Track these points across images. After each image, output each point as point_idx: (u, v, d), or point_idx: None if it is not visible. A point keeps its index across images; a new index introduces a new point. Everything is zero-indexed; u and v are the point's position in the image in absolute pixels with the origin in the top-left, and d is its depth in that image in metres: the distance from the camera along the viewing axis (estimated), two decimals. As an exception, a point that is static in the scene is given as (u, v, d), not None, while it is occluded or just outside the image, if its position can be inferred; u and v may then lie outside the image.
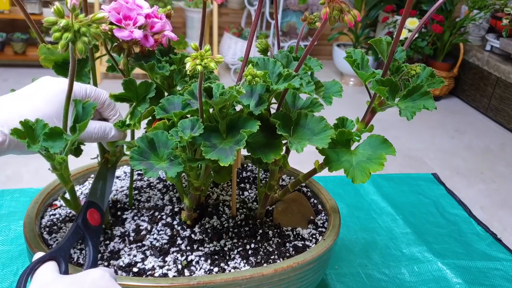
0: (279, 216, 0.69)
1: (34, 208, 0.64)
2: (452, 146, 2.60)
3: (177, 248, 0.61)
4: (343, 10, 0.46)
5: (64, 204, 0.68)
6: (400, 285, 0.82)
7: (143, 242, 0.62)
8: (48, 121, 0.49)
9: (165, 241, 0.62)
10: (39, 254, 0.47)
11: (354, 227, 0.97)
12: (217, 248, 0.62)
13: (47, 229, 0.63)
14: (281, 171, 0.66)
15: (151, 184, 0.76)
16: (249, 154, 0.54)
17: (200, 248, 0.62)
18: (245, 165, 0.83)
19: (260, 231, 0.66)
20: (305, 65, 0.60)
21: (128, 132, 0.63)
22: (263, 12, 3.33)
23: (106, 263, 0.58)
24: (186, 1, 3.17)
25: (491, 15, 3.07)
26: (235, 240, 0.64)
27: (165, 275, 0.57)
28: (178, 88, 0.62)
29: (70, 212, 0.67)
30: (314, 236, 0.67)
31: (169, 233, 0.64)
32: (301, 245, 0.64)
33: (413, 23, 2.94)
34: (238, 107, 0.56)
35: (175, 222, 0.66)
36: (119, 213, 0.68)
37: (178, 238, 0.63)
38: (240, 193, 0.75)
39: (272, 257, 0.61)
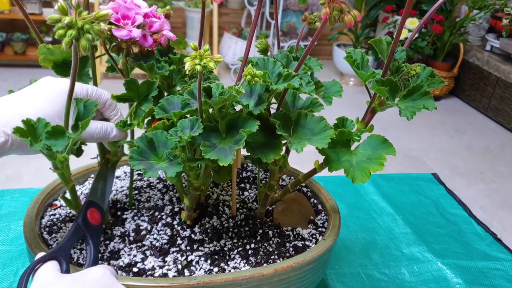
0: (279, 216, 0.69)
1: (34, 208, 0.64)
2: (452, 146, 2.60)
3: (177, 248, 0.61)
4: (343, 11, 0.46)
5: (64, 204, 0.68)
6: (400, 285, 0.82)
7: (143, 242, 0.62)
8: (49, 121, 0.49)
9: (165, 241, 0.62)
10: (40, 254, 0.47)
11: (354, 227, 0.97)
12: (217, 248, 0.62)
13: (47, 229, 0.63)
14: (281, 171, 0.66)
15: (151, 184, 0.76)
16: (249, 154, 0.54)
17: (200, 248, 0.62)
18: (245, 165, 0.83)
19: (260, 231, 0.66)
20: (305, 65, 0.60)
21: (128, 131, 0.63)
22: (263, 12, 3.33)
23: (106, 263, 0.58)
24: (186, 1, 3.17)
25: (491, 15, 3.07)
26: (235, 240, 0.64)
27: (165, 275, 0.57)
28: (178, 88, 0.62)
29: (70, 212, 0.67)
30: (314, 236, 0.67)
31: (169, 233, 0.64)
32: (301, 245, 0.64)
33: (413, 23, 2.94)
34: (238, 107, 0.56)
35: (175, 222, 0.66)
36: (119, 213, 0.68)
37: (178, 238, 0.63)
38: (240, 193, 0.75)
39: (272, 257, 0.61)
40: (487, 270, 0.88)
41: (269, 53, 0.64)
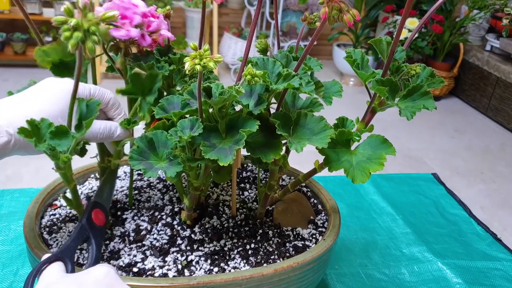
0: (279, 216, 0.69)
1: (34, 208, 0.64)
2: (452, 146, 2.60)
3: (177, 248, 0.61)
4: (342, 10, 0.46)
5: (64, 204, 0.68)
6: (400, 285, 0.82)
7: (143, 242, 0.62)
8: (53, 121, 0.49)
9: (165, 241, 0.62)
10: (46, 255, 0.47)
11: (354, 227, 0.97)
12: (217, 248, 0.62)
13: (47, 229, 0.63)
14: (281, 171, 0.66)
15: (151, 184, 0.76)
16: (249, 154, 0.54)
17: (200, 248, 0.62)
18: (245, 165, 0.83)
19: (260, 231, 0.66)
20: (305, 65, 0.60)
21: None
22: (263, 12, 3.33)
23: (106, 263, 0.58)
24: (186, 1, 3.17)
25: (491, 15, 3.07)
26: (235, 240, 0.64)
27: (165, 275, 0.57)
28: (178, 88, 0.62)
29: (70, 212, 0.67)
30: (314, 236, 0.67)
31: (169, 233, 0.64)
32: (301, 245, 0.64)
33: (413, 23, 2.94)
34: (238, 107, 0.56)
35: (175, 222, 0.66)
36: (119, 213, 0.68)
37: (178, 238, 0.63)
38: (240, 193, 0.75)
39: (272, 257, 0.61)
40: (487, 270, 0.88)
41: (268, 53, 0.64)
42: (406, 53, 0.68)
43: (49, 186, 0.68)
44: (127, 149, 0.63)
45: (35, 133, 0.47)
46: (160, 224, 0.66)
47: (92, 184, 0.74)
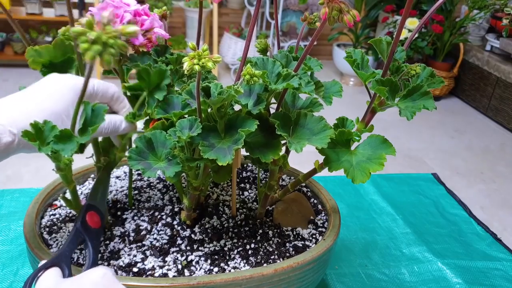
0: (279, 216, 0.69)
1: (34, 208, 0.64)
2: (452, 146, 2.60)
3: (177, 248, 0.61)
4: (342, 10, 0.46)
5: (64, 204, 0.68)
6: (400, 285, 0.82)
7: (143, 242, 0.62)
8: (56, 119, 0.48)
9: (165, 241, 0.62)
10: (42, 262, 0.47)
11: (354, 227, 0.97)
12: (217, 248, 0.62)
13: (47, 229, 0.63)
14: (281, 171, 0.66)
15: (151, 184, 0.76)
16: (248, 153, 0.54)
17: (200, 248, 0.62)
18: (245, 165, 0.83)
19: (260, 231, 0.66)
20: (305, 65, 0.60)
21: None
22: (263, 12, 3.33)
23: (106, 263, 0.58)
24: (185, 1, 3.17)
25: (491, 15, 3.07)
26: (235, 240, 0.64)
27: (165, 275, 0.57)
28: (176, 88, 0.62)
29: (70, 212, 0.67)
30: (314, 236, 0.67)
31: (169, 233, 0.64)
32: (301, 245, 0.64)
33: (413, 23, 2.94)
34: (237, 107, 0.56)
35: (175, 222, 0.66)
36: (119, 213, 0.68)
37: (178, 238, 0.63)
38: (240, 193, 0.75)
39: (272, 257, 0.61)
40: (487, 270, 0.88)
41: (268, 53, 0.64)
42: (406, 53, 0.68)
43: (49, 186, 0.68)
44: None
45: (38, 136, 0.46)
46: (160, 224, 0.66)
47: (91, 184, 0.74)
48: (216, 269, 0.58)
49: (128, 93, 0.60)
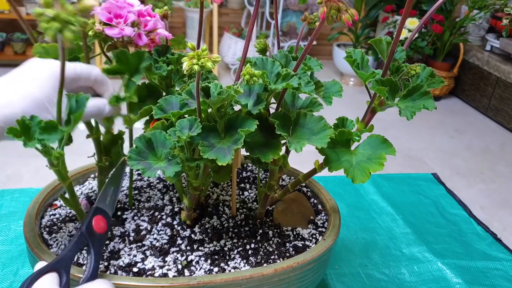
0: (279, 216, 0.69)
1: (34, 208, 0.64)
2: (452, 146, 2.60)
3: (177, 248, 0.61)
4: (340, 9, 0.46)
5: (64, 204, 0.68)
6: (400, 285, 0.82)
7: (143, 242, 0.62)
8: (39, 106, 0.47)
9: (165, 241, 0.62)
10: (40, 264, 0.45)
11: (354, 227, 0.97)
12: (217, 248, 0.62)
13: (47, 229, 0.63)
14: (281, 171, 0.66)
15: (151, 184, 0.76)
16: (248, 153, 0.54)
17: (200, 248, 0.62)
18: (245, 165, 0.83)
19: (260, 231, 0.66)
20: (305, 65, 0.60)
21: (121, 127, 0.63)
22: (263, 12, 3.33)
23: (106, 263, 0.58)
24: (185, 1, 3.17)
25: (491, 15, 3.07)
26: (235, 240, 0.64)
27: (165, 275, 0.57)
28: (177, 88, 0.62)
29: (70, 212, 0.67)
30: (314, 236, 0.67)
31: (169, 233, 0.64)
32: (301, 245, 0.64)
33: (413, 23, 2.94)
34: (238, 107, 0.56)
35: (175, 222, 0.66)
36: (119, 213, 0.68)
37: (178, 238, 0.63)
38: (240, 193, 0.75)
39: (272, 257, 0.61)
40: (487, 270, 0.88)
41: (268, 53, 0.64)
42: (406, 53, 0.68)
43: (49, 186, 0.68)
44: (126, 149, 0.63)
45: (24, 132, 0.46)
46: (160, 224, 0.66)
47: (92, 184, 0.74)
48: (216, 269, 0.58)
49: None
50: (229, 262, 0.60)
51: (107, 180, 0.61)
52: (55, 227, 0.63)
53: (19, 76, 0.50)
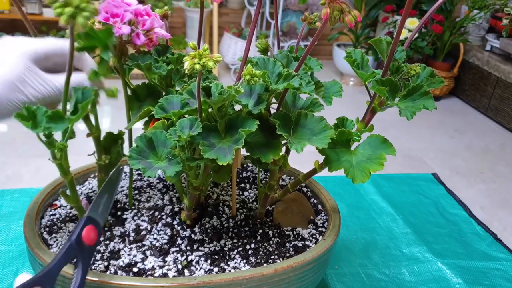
0: (279, 216, 0.69)
1: (34, 208, 0.64)
2: (452, 146, 2.60)
3: (177, 248, 0.61)
4: (343, 11, 0.46)
5: (64, 204, 0.68)
6: (400, 285, 0.82)
7: (143, 242, 0.62)
8: (9, 87, 0.47)
9: (165, 241, 0.62)
10: (22, 277, 0.44)
11: (354, 227, 0.97)
12: (217, 248, 0.62)
13: (47, 229, 0.63)
14: (281, 171, 0.66)
15: (151, 184, 0.76)
16: (249, 153, 0.54)
17: (200, 248, 0.62)
18: (245, 165, 0.83)
19: (260, 231, 0.66)
20: (305, 65, 0.60)
21: (123, 128, 0.63)
22: (263, 12, 3.33)
23: (106, 263, 0.58)
24: (185, 1, 3.17)
25: (491, 15, 3.07)
26: (235, 240, 0.64)
27: (165, 275, 0.57)
28: (177, 88, 0.62)
29: (70, 212, 0.67)
30: (314, 236, 0.67)
31: (169, 233, 0.64)
32: (301, 245, 0.64)
33: (413, 23, 2.94)
34: (238, 107, 0.56)
35: (175, 222, 0.66)
36: (119, 213, 0.68)
37: (178, 238, 0.63)
38: (240, 193, 0.75)
39: (272, 257, 0.61)
40: (487, 270, 0.88)
41: (269, 53, 0.64)
42: (406, 53, 0.68)
43: (49, 186, 0.68)
44: (126, 149, 0.63)
45: (31, 119, 0.46)
46: (160, 224, 0.66)
47: (92, 184, 0.74)
48: (216, 269, 0.58)
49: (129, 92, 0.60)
50: (229, 262, 0.60)
51: (101, 187, 0.58)
52: (55, 227, 0.63)
53: None
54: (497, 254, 0.94)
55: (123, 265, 0.58)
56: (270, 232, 0.66)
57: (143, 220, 0.66)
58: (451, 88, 3.24)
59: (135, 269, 0.57)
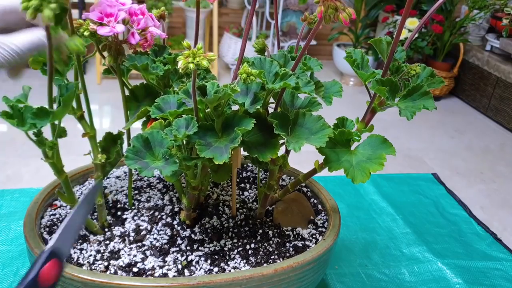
0: (279, 216, 0.69)
1: (34, 208, 0.64)
2: (452, 146, 2.60)
3: (177, 248, 0.61)
4: (338, 9, 0.46)
5: (64, 204, 0.68)
6: (400, 285, 0.82)
7: (143, 242, 0.62)
8: None
9: (165, 241, 0.62)
10: None
11: (354, 227, 0.97)
12: (217, 248, 0.62)
13: (47, 229, 0.63)
14: (281, 171, 0.66)
15: (151, 184, 0.76)
16: (246, 152, 0.54)
17: (200, 248, 0.62)
18: (245, 165, 0.83)
19: (260, 231, 0.66)
20: (304, 65, 0.59)
21: (121, 128, 0.63)
22: (263, 12, 3.33)
23: (106, 263, 0.58)
24: (182, 1, 3.17)
25: (491, 15, 3.07)
26: (235, 240, 0.64)
27: (165, 275, 0.57)
28: (175, 88, 0.62)
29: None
30: (314, 236, 0.67)
31: (169, 233, 0.64)
32: (301, 245, 0.64)
33: (413, 23, 2.94)
34: (236, 107, 0.56)
35: (175, 222, 0.66)
36: (119, 213, 0.68)
37: (178, 238, 0.63)
38: (240, 193, 0.75)
39: (272, 257, 0.61)
40: (487, 270, 0.88)
41: (266, 53, 0.64)
42: (406, 53, 0.68)
43: (49, 186, 0.68)
44: (125, 149, 0.63)
45: (17, 116, 0.46)
46: (160, 224, 0.65)
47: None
48: (216, 269, 0.58)
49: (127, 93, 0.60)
50: (229, 262, 0.60)
51: (72, 210, 0.44)
52: (55, 227, 0.63)
53: None
54: (497, 254, 0.94)
55: (123, 265, 0.58)
56: (270, 232, 0.66)
57: (143, 220, 0.66)
58: (451, 88, 3.24)
59: (135, 269, 0.57)
